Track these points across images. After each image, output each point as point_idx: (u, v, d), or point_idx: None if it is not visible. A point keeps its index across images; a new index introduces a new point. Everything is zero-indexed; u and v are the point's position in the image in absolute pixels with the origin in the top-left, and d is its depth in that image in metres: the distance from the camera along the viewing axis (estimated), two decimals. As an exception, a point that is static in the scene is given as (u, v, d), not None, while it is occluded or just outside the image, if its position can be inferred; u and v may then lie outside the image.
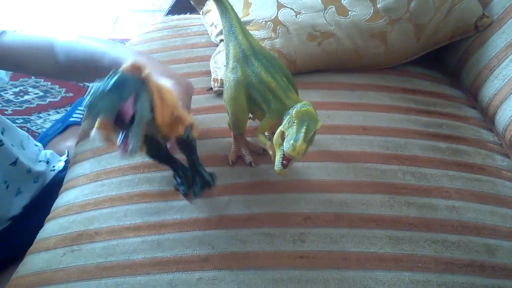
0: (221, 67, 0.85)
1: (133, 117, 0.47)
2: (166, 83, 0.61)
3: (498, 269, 0.58)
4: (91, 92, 0.44)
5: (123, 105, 0.45)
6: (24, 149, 0.99)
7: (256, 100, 0.62)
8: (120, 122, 0.46)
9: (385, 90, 0.84)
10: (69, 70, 0.81)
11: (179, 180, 0.67)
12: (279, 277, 0.56)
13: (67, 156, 1.13)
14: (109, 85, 0.44)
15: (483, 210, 0.64)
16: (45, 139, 1.22)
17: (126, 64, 0.47)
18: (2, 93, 1.57)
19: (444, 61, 0.95)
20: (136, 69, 0.47)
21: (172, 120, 0.54)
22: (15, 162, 0.93)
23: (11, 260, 0.91)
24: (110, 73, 0.45)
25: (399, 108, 0.80)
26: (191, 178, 0.65)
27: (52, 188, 1.00)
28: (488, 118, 0.82)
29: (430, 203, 0.64)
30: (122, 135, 0.47)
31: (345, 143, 0.72)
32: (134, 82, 0.47)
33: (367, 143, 0.72)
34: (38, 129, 1.38)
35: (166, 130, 0.54)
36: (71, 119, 1.27)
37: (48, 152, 1.12)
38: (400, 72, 0.90)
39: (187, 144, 0.61)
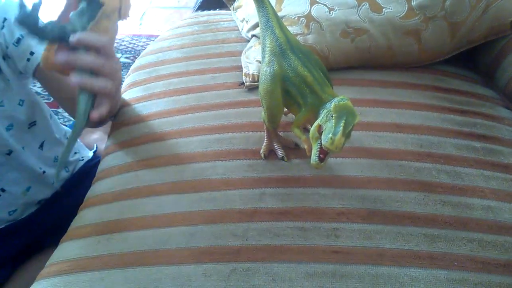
0: (252, 62, 0.85)
1: None
2: None
3: (536, 270, 0.57)
4: None
5: None
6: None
7: (292, 94, 0.62)
8: None
9: (418, 88, 0.84)
10: None
11: None
12: (314, 271, 0.56)
13: (95, 150, 1.15)
14: None
15: (519, 211, 0.63)
16: (72, 131, 1.24)
17: None
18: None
19: (477, 61, 0.94)
20: None
21: None
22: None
23: (36, 245, 0.93)
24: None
25: (432, 106, 0.79)
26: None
27: (79, 177, 1.02)
28: (522, 120, 0.81)
29: (465, 202, 0.63)
30: None
31: (378, 140, 0.72)
32: None
33: (400, 140, 0.72)
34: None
35: None
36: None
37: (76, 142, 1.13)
38: (432, 71, 0.89)
39: None
